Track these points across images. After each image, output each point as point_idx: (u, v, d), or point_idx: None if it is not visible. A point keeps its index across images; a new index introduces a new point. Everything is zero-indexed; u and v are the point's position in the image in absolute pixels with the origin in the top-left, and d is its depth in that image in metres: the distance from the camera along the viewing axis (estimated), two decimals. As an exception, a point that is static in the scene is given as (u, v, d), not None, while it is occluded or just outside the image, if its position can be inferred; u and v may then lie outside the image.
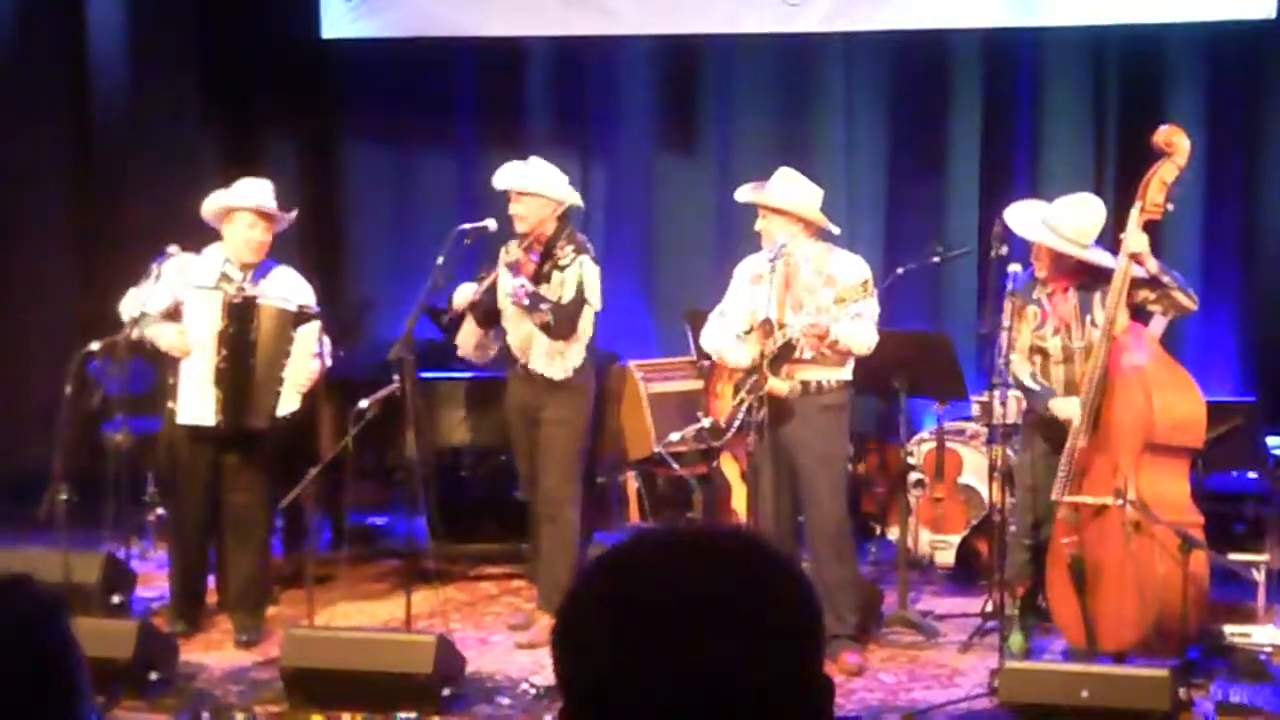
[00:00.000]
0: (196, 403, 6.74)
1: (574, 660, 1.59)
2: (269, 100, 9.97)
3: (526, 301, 6.67)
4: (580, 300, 6.81)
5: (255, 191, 6.85)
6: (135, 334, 6.67)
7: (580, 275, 6.81)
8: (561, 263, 6.82)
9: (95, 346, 6.69)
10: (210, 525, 7.02)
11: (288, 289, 6.90)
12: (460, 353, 7.22)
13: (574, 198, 6.96)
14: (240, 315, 6.71)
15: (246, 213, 6.79)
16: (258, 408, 6.75)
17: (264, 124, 10.00)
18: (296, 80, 9.84)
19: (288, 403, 6.77)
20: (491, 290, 6.91)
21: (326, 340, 6.87)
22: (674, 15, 9.23)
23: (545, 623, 6.76)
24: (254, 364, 6.72)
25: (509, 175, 6.88)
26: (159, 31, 9.73)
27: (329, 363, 6.86)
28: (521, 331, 6.85)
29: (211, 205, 6.85)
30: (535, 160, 6.97)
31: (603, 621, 1.57)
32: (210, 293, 6.74)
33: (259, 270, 6.87)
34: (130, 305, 6.71)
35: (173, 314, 6.75)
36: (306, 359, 6.78)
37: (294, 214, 7.01)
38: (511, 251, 6.86)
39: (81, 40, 9.67)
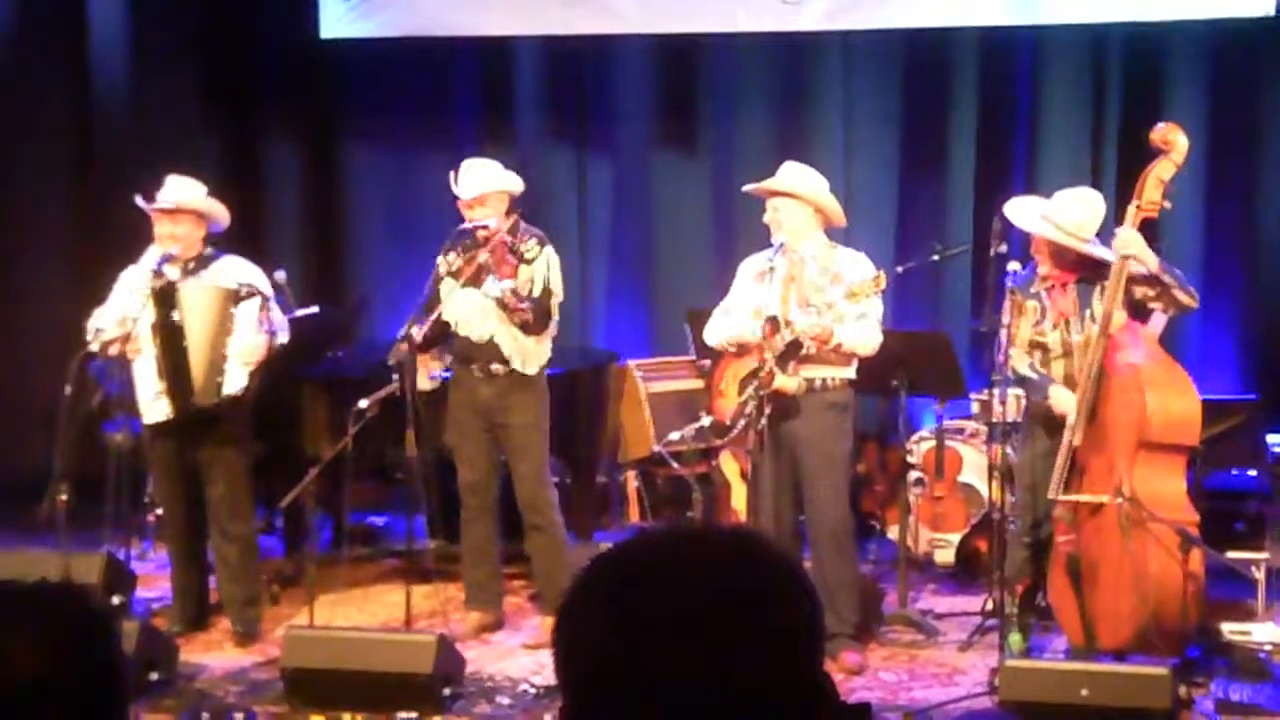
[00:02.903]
0: (154, 401, 6.77)
1: (574, 659, 1.59)
2: (269, 101, 9.98)
3: (516, 302, 6.63)
4: (548, 293, 6.79)
5: (163, 190, 6.90)
6: (95, 346, 6.70)
7: (547, 266, 6.80)
8: (528, 256, 6.79)
9: (95, 347, 6.70)
10: (203, 522, 7.02)
11: (233, 274, 6.91)
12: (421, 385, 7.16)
13: (520, 185, 6.95)
14: (163, 301, 6.74)
15: (157, 211, 6.84)
16: (200, 387, 6.74)
17: (264, 124, 10.00)
18: (296, 81, 9.85)
19: (235, 379, 6.77)
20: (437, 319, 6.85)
21: (278, 316, 6.91)
22: (672, 14, 9.23)
23: (548, 623, 6.77)
24: (185, 345, 6.73)
25: (475, 180, 6.82)
26: (159, 33, 9.73)
27: (283, 339, 6.89)
28: (483, 327, 6.79)
29: (142, 204, 6.90)
30: (476, 160, 6.94)
31: (603, 621, 1.57)
32: (142, 291, 6.78)
33: (203, 261, 6.89)
34: (92, 324, 6.76)
35: (125, 323, 6.78)
36: (250, 334, 6.79)
37: (209, 201, 6.93)
38: (452, 262, 6.81)
39: (82, 42, 9.68)
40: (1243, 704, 5.86)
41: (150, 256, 6.87)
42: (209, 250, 6.92)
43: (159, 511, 8.11)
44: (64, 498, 6.62)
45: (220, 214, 6.97)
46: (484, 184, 6.81)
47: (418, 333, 6.74)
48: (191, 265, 6.86)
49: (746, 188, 6.76)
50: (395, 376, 6.62)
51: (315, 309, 7.60)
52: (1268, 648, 6.42)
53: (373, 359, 7.13)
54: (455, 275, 6.78)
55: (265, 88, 9.96)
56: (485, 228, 6.83)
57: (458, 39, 9.58)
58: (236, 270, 6.93)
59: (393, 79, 9.73)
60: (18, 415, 9.31)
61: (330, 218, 10.01)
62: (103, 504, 7.17)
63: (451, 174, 6.87)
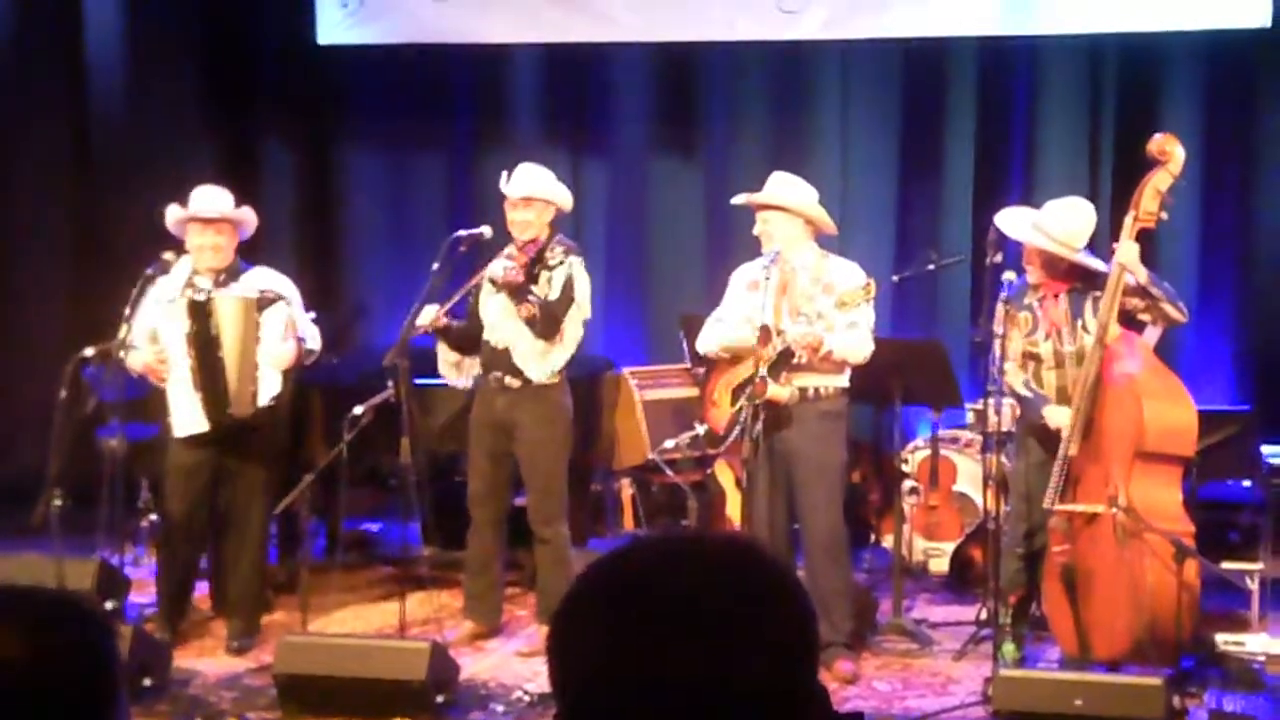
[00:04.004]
0: (188, 413, 6.75)
1: (569, 666, 1.59)
2: (266, 106, 9.98)
3: (520, 277, 6.62)
4: (567, 299, 6.77)
5: (200, 199, 6.89)
6: (133, 363, 6.73)
7: (570, 275, 6.78)
8: (551, 264, 6.79)
9: (90, 352, 6.69)
10: (205, 532, 7.01)
11: (263, 285, 6.90)
12: (443, 376, 7.16)
13: (569, 202, 6.98)
14: (199, 313, 6.73)
15: (195, 221, 6.82)
16: (237, 398, 6.74)
17: (261, 130, 10.00)
18: (294, 86, 9.85)
19: (269, 385, 6.77)
20: (466, 310, 6.86)
21: (307, 325, 6.93)
22: (670, 22, 9.23)
23: (543, 630, 6.76)
24: (222, 357, 6.73)
25: (527, 182, 6.84)
26: (157, 38, 9.73)
27: (315, 347, 6.92)
28: (504, 333, 6.80)
29: (170, 218, 6.89)
30: (533, 165, 6.95)
31: (598, 628, 1.57)
32: (175, 303, 6.76)
33: (232, 273, 6.88)
34: (122, 335, 6.75)
35: (155, 338, 6.78)
36: (278, 340, 6.80)
37: (245, 210, 6.95)
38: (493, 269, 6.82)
39: (80, 46, 9.68)
40: (1236, 714, 5.87)
41: (182, 269, 6.85)
42: (239, 261, 6.91)
43: (153, 517, 8.10)
44: (58, 503, 6.60)
45: (252, 221, 6.98)
46: (532, 188, 6.80)
47: (434, 316, 6.70)
48: (223, 277, 6.85)
49: (735, 200, 6.77)
50: (390, 382, 6.62)
51: (312, 314, 7.58)
52: (1261, 658, 6.42)
53: (368, 365, 7.12)
54: (493, 281, 6.77)
55: (263, 94, 9.96)
56: (480, 235, 6.84)
57: (454, 45, 9.58)
58: (267, 281, 6.92)
59: (390, 85, 9.74)
60: (12, 419, 9.30)
61: (327, 224, 10.01)
62: (96, 509, 7.16)
63: (505, 172, 6.88)
